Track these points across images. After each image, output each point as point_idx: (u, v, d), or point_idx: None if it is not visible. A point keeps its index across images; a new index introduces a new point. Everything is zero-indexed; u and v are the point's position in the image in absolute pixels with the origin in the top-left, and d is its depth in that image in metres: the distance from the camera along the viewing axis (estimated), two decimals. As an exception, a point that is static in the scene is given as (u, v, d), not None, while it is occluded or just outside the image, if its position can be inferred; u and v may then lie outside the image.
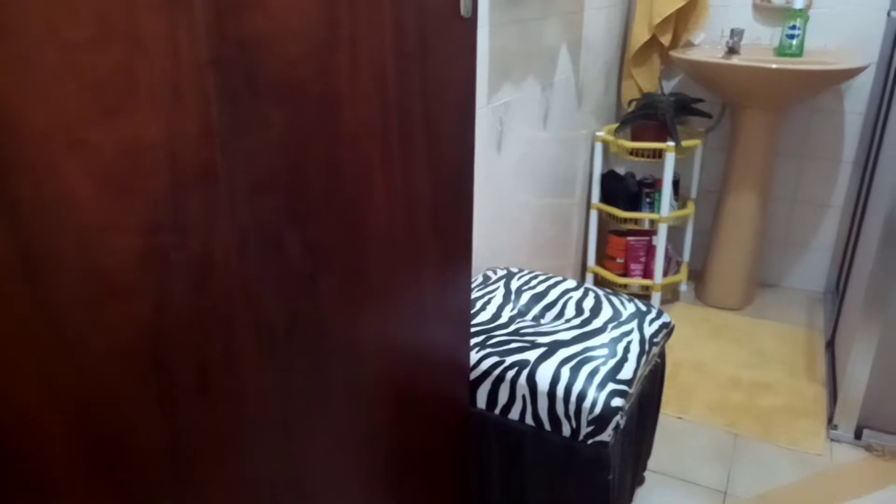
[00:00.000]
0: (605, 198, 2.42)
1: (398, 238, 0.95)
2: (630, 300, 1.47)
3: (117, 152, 0.55)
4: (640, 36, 2.38)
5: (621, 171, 2.52)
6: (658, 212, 2.33)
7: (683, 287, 2.56)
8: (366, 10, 0.79)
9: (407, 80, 0.90)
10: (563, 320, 1.39)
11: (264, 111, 0.69)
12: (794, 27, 2.23)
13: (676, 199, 2.42)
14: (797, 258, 2.56)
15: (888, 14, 2.16)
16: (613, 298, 1.47)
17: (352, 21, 0.77)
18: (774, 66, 2.09)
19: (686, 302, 2.54)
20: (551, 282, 1.52)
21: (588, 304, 1.44)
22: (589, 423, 1.18)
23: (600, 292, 1.49)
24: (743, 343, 2.24)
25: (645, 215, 2.36)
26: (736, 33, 2.30)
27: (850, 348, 1.75)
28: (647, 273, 2.44)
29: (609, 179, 2.43)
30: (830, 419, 1.83)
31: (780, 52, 2.29)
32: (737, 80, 2.20)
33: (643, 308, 1.44)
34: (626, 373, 1.24)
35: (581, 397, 1.18)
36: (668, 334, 1.45)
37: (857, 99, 2.31)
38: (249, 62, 0.66)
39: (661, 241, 2.33)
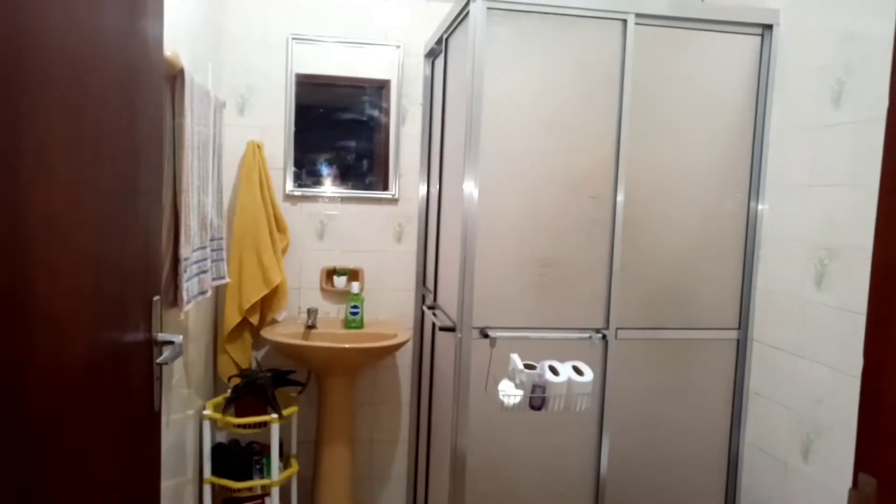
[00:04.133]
0: (216, 469, 2.54)
1: None
2: None
3: None
4: (231, 318, 2.69)
5: (224, 439, 2.69)
6: (269, 476, 2.55)
7: (295, 538, 2.77)
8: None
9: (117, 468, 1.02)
10: None
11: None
12: (355, 306, 2.84)
13: (281, 459, 2.68)
14: (380, 489, 3.04)
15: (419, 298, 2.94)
16: None
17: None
18: (347, 345, 2.62)
19: (300, 552, 2.74)
20: None
21: None
22: None
23: None
24: (357, 582, 2.52)
25: (258, 482, 2.55)
26: (312, 312, 2.80)
27: (444, 571, 2.20)
28: (264, 534, 2.59)
29: (218, 451, 2.57)
30: None
31: (347, 325, 2.86)
32: (316, 355, 2.66)
33: None
34: None
35: None
36: None
37: (405, 356, 2.99)
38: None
39: (275, 503, 2.54)
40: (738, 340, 2.24)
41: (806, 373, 1.95)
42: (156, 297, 1.11)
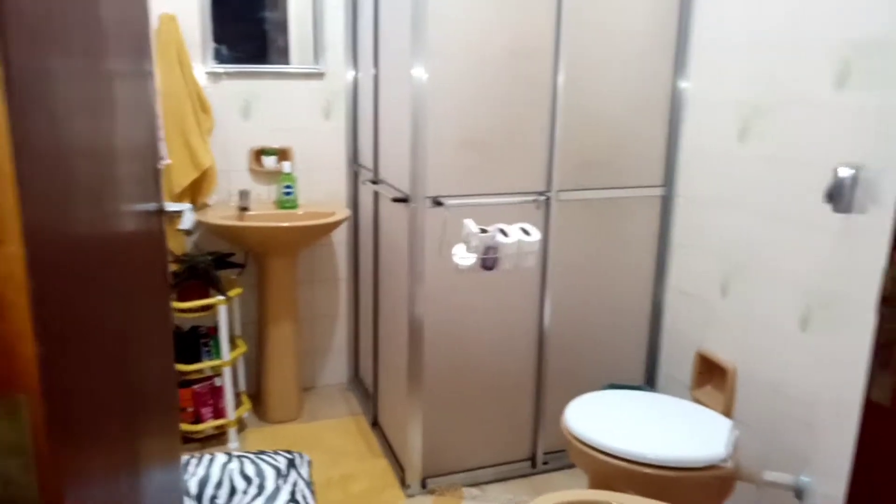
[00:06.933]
0: (163, 356, 2.53)
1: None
2: (277, 454, 1.74)
3: None
4: (161, 204, 2.59)
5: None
6: (219, 357, 2.58)
7: (246, 414, 2.85)
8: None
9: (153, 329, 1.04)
10: (240, 494, 1.57)
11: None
12: (288, 186, 2.81)
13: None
14: (323, 361, 3.15)
15: (354, 170, 2.94)
16: (265, 458, 1.71)
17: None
18: (285, 224, 2.61)
19: (252, 426, 2.83)
20: (205, 461, 1.67)
21: (250, 470, 1.65)
22: (310, 569, 1.42)
23: (251, 455, 1.72)
24: (314, 448, 2.66)
25: (208, 363, 2.57)
26: (244, 194, 2.75)
27: (404, 423, 2.37)
28: (218, 413, 2.65)
29: (163, 338, 2.55)
30: (403, 482, 2.41)
31: (281, 205, 2.83)
32: (253, 236, 2.64)
33: (290, 457, 1.73)
34: (315, 515, 1.52)
35: (298, 551, 1.42)
36: (310, 466, 1.78)
37: (341, 233, 3.02)
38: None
39: (227, 382, 2.59)
40: (663, 196, 2.44)
41: (727, 220, 2.17)
42: (159, 164, 1.09)
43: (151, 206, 1.02)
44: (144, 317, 0.99)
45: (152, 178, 1.04)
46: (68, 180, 0.65)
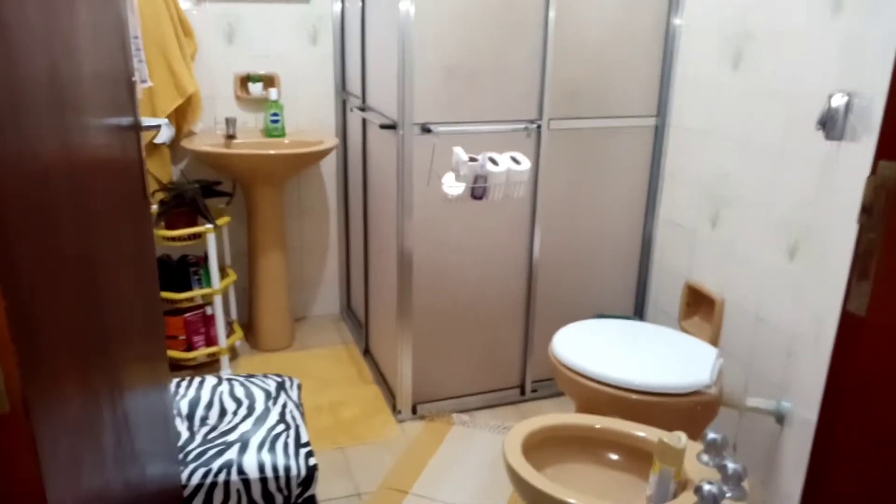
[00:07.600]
0: (153, 284, 2.53)
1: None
2: (266, 377, 1.76)
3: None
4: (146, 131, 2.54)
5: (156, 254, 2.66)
6: (210, 286, 2.58)
7: (238, 343, 2.88)
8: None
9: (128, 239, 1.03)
10: (230, 414, 1.59)
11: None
12: (275, 114, 2.75)
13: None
14: (317, 292, 3.16)
15: (342, 100, 2.88)
16: (255, 381, 1.73)
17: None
18: (272, 151, 2.56)
19: (244, 354, 2.86)
20: (195, 383, 1.69)
21: (240, 392, 1.67)
22: (298, 486, 1.46)
23: (240, 378, 1.73)
24: (306, 375, 2.70)
25: (198, 292, 2.58)
26: (230, 122, 2.69)
27: (395, 351, 2.39)
28: (210, 341, 2.67)
29: (152, 267, 2.55)
30: (394, 408, 2.45)
31: (268, 133, 2.78)
32: (241, 164, 2.60)
33: (280, 380, 1.75)
34: (304, 435, 1.55)
35: (287, 469, 1.45)
36: (300, 389, 1.80)
37: (329, 163, 2.99)
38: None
39: (218, 310, 2.60)
40: (656, 126, 2.40)
41: (718, 150, 2.14)
42: (134, 80, 1.05)
43: (125, 120, 1.00)
44: (119, 235, 0.97)
45: (126, 93, 1.00)
46: (22, 90, 0.62)
